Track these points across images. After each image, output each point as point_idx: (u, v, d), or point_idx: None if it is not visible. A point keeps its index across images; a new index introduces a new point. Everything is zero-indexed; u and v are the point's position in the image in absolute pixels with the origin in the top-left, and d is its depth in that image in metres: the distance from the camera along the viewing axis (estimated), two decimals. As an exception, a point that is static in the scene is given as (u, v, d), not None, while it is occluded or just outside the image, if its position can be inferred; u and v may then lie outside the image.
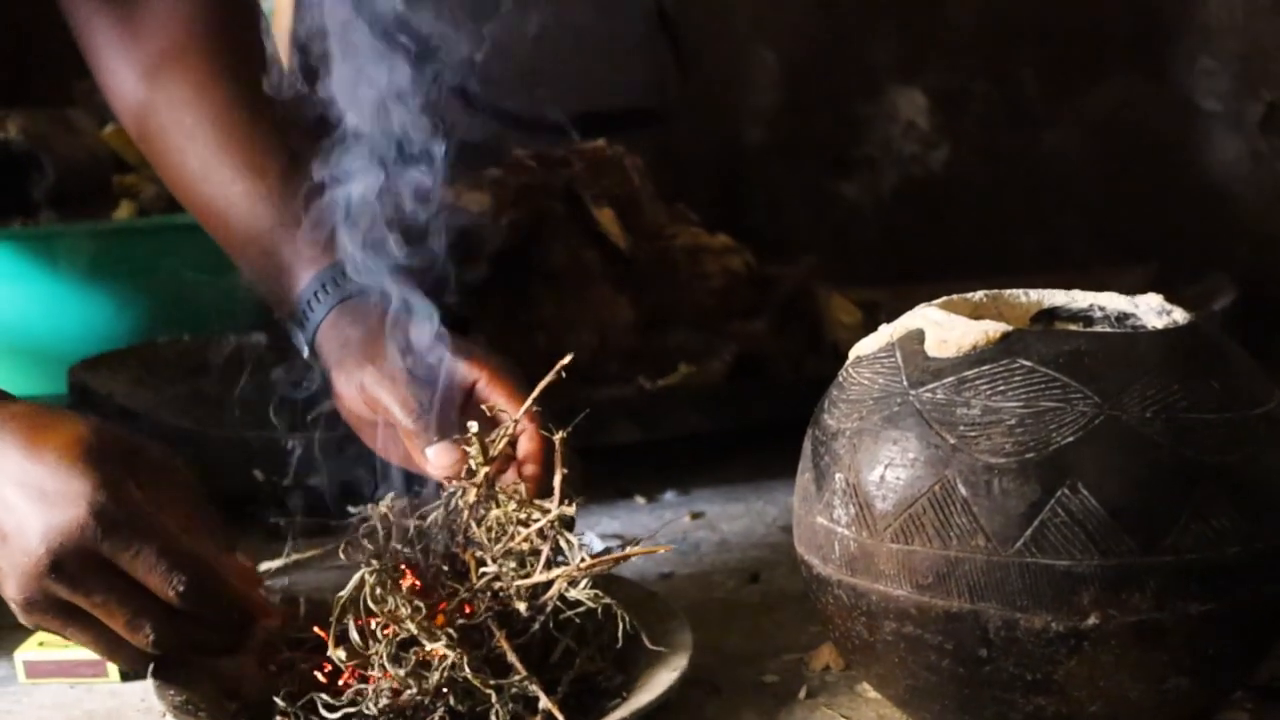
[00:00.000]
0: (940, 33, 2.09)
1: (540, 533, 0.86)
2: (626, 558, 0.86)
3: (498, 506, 0.89)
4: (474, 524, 0.89)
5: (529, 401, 0.94)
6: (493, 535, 0.88)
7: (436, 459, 0.95)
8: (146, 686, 0.87)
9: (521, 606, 0.84)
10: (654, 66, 1.93)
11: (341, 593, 0.85)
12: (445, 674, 0.82)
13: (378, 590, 0.85)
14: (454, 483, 0.92)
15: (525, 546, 0.86)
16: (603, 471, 1.35)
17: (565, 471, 0.88)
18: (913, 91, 2.12)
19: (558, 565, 0.86)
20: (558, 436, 0.89)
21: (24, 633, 0.94)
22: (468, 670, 0.82)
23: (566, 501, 0.87)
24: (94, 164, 1.58)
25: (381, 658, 0.83)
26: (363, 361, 1.00)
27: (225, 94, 1.10)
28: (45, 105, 1.61)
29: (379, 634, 0.84)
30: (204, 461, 1.21)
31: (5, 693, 0.95)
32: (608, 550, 0.98)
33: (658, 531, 1.22)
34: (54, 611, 0.82)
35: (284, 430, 1.19)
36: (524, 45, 1.75)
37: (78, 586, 0.80)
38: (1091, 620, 0.72)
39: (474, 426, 0.91)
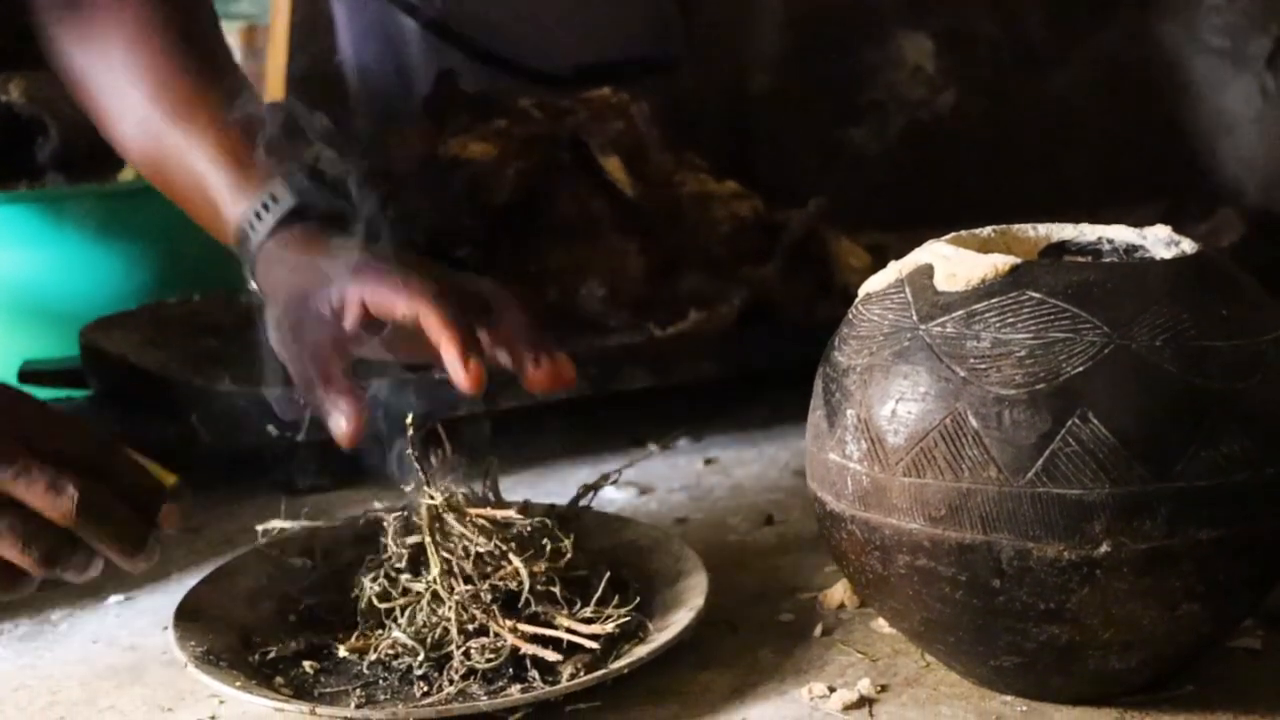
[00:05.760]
0: (945, -25, 2.08)
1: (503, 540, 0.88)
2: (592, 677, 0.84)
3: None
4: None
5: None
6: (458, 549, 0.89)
7: (336, 431, 0.97)
8: (167, 639, 0.88)
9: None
10: (658, 14, 1.92)
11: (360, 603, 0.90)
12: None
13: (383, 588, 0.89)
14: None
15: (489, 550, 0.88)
16: (615, 419, 1.36)
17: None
18: (919, 35, 2.11)
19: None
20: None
21: (50, 591, 0.95)
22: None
23: (517, 507, 0.91)
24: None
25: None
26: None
27: (156, 45, 1.09)
28: (46, 68, 1.60)
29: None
30: (216, 419, 1.22)
31: (27, 648, 0.95)
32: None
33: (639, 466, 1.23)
34: None
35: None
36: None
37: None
38: (1103, 548, 0.73)
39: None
